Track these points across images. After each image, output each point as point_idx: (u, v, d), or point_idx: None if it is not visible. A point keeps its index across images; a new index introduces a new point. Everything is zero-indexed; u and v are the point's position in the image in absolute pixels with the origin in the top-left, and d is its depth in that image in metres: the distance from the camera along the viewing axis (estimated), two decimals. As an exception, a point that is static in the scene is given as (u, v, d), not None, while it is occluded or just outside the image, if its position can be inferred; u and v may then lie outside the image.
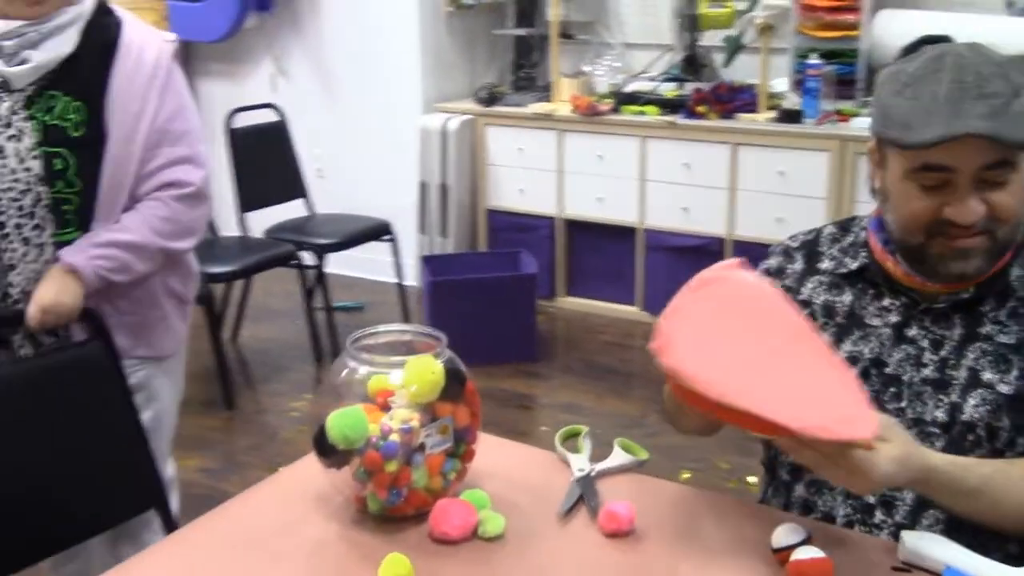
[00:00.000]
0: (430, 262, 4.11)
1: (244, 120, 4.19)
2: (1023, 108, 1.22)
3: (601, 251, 4.44)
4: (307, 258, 3.99)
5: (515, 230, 4.55)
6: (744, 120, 4.03)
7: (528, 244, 4.38)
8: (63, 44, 1.79)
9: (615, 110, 4.28)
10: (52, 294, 1.78)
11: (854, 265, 1.44)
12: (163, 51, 1.90)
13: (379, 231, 4.19)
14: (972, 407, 1.32)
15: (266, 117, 4.30)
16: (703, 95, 4.11)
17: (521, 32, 4.73)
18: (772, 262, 1.54)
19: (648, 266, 4.29)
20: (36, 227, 1.80)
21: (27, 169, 1.77)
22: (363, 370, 1.34)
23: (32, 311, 1.78)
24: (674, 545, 1.27)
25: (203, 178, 1.94)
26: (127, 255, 1.84)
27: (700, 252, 4.11)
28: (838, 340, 1.42)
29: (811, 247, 1.51)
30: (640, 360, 3.96)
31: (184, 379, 2.14)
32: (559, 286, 4.55)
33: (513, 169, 4.53)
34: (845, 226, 1.52)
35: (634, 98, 4.28)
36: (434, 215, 4.63)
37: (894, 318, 1.39)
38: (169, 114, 1.89)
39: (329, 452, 1.31)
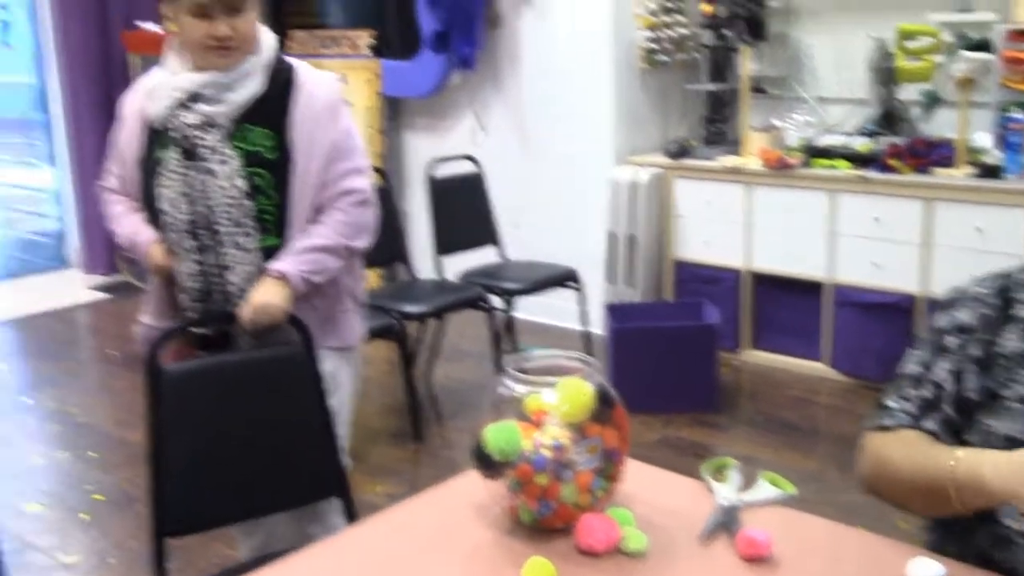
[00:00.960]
0: (615, 310, 4.20)
1: (444, 170, 4.44)
2: None
3: (788, 305, 4.40)
4: (497, 302, 4.17)
5: (701, 282, 4.58)
6: (940, 175, 3.93)
7: (714, 296, 4.40)
8: (253, 87, 2.15)
9: (805, 164, 4.26)
10: (264, 297, 2.11)
11: None
12: (333, 87, 2.25)
13: (565, 278, 4.33)
14: None
15: (465, 168, 4.54)
16: (898, 149, 4.04)
17: (713, 87, 4.80)
18: (962, 316, 1.47)
19: (836, 322, 4.22)
20: (246, 234, 2.14)
21: (236, 187, 2.12)
22: (520, 389, 1.45)
23: (246, 311, 2.11)
24: (808, 573, 1.30)
25: (369, 185, 2.26)
26: (322, 255, 2.17)
27: (890, 309, 4.02)
28: None
29: (1003, 293, 1.46)
30: (823, 417, 3.89)
31: (361, 372, 2.42)
32: (744, 338, 4.53)
33: (701, 221, 4.58)
34: None
35: (825, 152, 4.25)
36: (622, 265, 4.72)
37: None
38: (339, 135, 2.21)
39: (486, 464, 1.42)
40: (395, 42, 5.49)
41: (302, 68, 2.24)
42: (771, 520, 1.44)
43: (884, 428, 1.48)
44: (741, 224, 4.43)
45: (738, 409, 4.03)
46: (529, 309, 4.71)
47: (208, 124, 2.12)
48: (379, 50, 5.44)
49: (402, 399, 3.88)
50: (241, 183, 2.12)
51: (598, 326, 4.51)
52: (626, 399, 4.29)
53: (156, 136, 2.17)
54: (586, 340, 4.39)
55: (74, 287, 6.04)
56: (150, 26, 5.90)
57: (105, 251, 6.11)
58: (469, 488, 1.55)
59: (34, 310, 5.63)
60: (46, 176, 6.57)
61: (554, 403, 1.42)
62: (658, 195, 4.67)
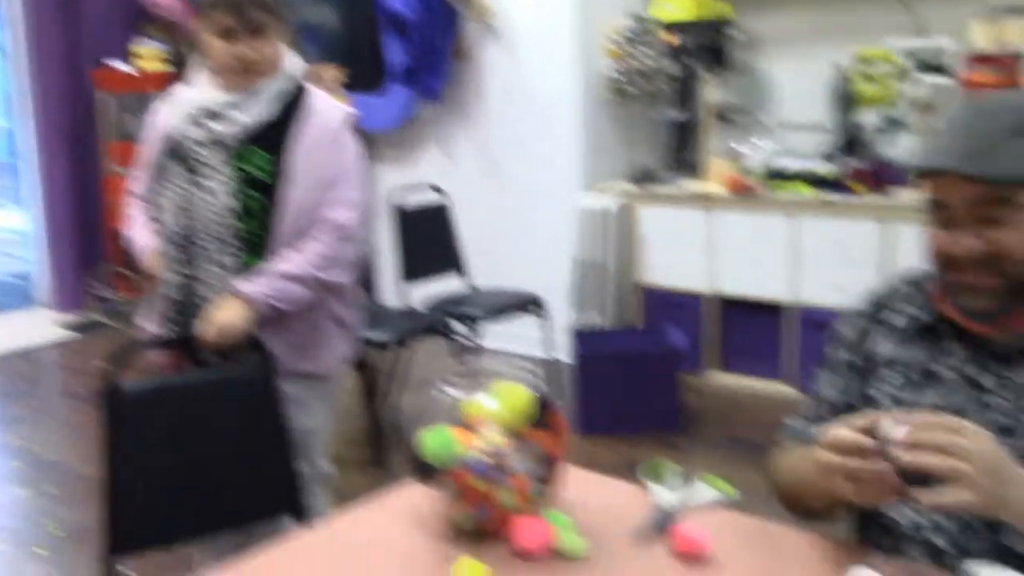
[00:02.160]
0: (581, 336, 4.21)
1: (411, 200, 4.45)
2: (1014, 149, 1.25)
3: (752, 327, 4.43)
4: (462, 330, 4.16)
5: (668, 307, 4.60)
6: (900, 197, 3.97)
7: (679, 320, 4.42)
8: (262, 110, 2.19)
9: (767, 188, 4.30)
10: (224, 316, 2.12)
11: (925, 318, 1.44)
12: (345, 119, 2.29)
13: (529, 303, 4.33)
14: None
15: (432, 197, 4.56)
16: (858, 172, 4.09)
17: (677, 116, 4.84)
18: (847, 332, 1.53)
19: (800, 343, 4.24)
20: (231, 254, 2.17)
21: (226, 206, 2.16)
22: (456, 394, 1.46)
23: (207, 330, 2.12)
24: (746, 573, 1.30)
25: (355, 220, 2.25)
26: (290, 283, 2.17)
27: (854, 330, 4.05)
28: (912, 394, 1.41)
29: (882, 304, 1.51)
30: (789, 438, 3.90)
31: (339, 396, 2.46)
32: (709, 361, 4.55)
33: (666, 247, 4.61)
34: (915, 280, 1.52)
35: (787, 176, 4.30)
36: (588, 291, 4.74)
37: (964, 368, 1.38)
38: (341, 167, 2.23)
39: (423, 470, 1.42)
40: (364, 76, 5.52)
41: (316, 95, 2.27)
42: (708, 521, 1.44)
43: (780, 445, 1.57)
44: (705, 248, 4.47)
45: (702, 430, 4.03)
46: (495, 338, 4.71)
47: (214, 142, 2.18)
48: (348, 84, 5.47)
49: (366, 427, 3.86)
50: (232, 203, 2.16)
51: (563, 352, 4.51)
52: (592, 422, 4.28)
53: (169, 147, 2.23)
54: (551, 366, 4.39)
55: (43, 326, 6.00)
56: (119, 64, 5.93)
57: (74, 290, 6.10)
58: (409, 496, 1.55)
59: (1, 350, 5.58)
60: (15, 217, 6.56)
61: (492, 408, 1.42)
62: (624, 222, 4.70)
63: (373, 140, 5.69)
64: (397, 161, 5.61)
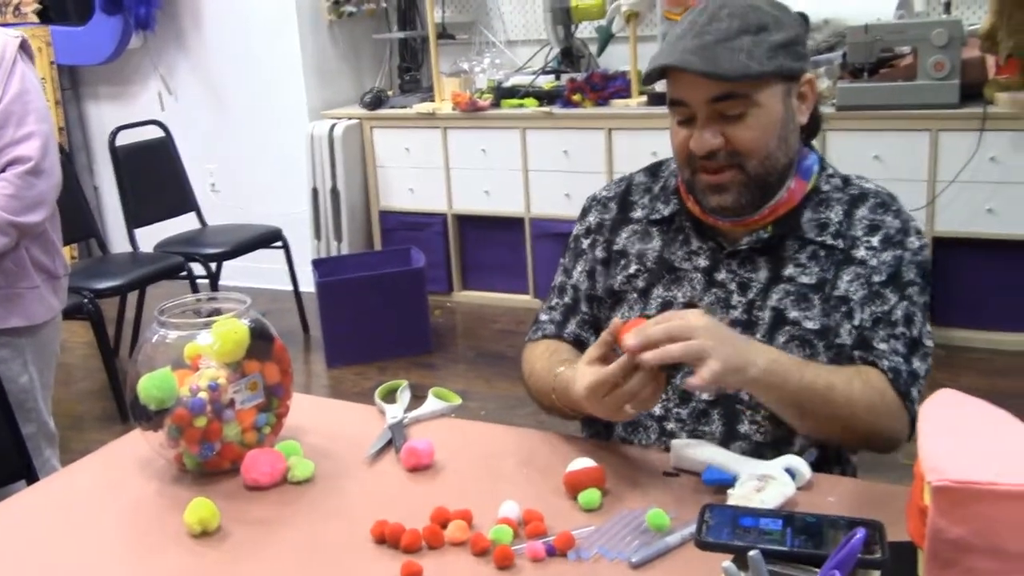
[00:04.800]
0: (320, 265, 4.17)
1: (131, 138, 4.21)
2: (744, 46, 1.31)
3: (493, 243, 4.54)
4: (200, 270, 4.03)
5: (408, 229, 4.63)
6: (617, 105, 4.16)
7: (421, 242, 4.46)
8: None
9: (495, 105, 4.38)
10: None
11: (665, 211, 1.49)
12: (8, 44, 2.09)
13: (270, 238, 4.25)
14: (782, 344, 1.38)
15: (153, 134, 4.33)
16: (577, 84, 4.23)
17: (401, 35, 4.82)
18: (591, 219, 1.58)
19: (536, 254, 4.39)
20: None
21: None
22: (172, 336, 1.41)
23: None
24: (469, 474, 1.36)
25: (41, 151, 2.08)
26: None
27: (585, 236, 4.23)
28: (651, 285, 1.47)
29: (624, 196, 1.56)
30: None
31: (54, 349, 2.30)
32: (454, 281, 4.64)
33: (402, 169, 4.62)
34: (655, 172, 1.57)
35: (513, 92, 4.39)
36: (328, 220, 4.69)
37: (703, 262, 1.45)
38: (12, 97, 2.05)
39: (142, 415, 1.38)
40: (66, 6, 5.12)
41: None
42: (437, 431, 1.48)
43: (532, 341, 1.58)
44: (441, 168, 4.51)
45: (452, 348, 4.13)
46: (237, 274, 4.59)
47: None
48: (47, 16, 5.06)
49: (105, 380, 3.69)
50: None
51: (310, 284, 4.47)
52: (340, 352, 4.26)
53: None
54: (298, 299, 4.34)
55: None
56: None
57: None
58: (135, 444, 1.50)
59: None
60: None
61: (208, 345, 1.39)
62: (358, 146, 4.66)
63: (83, 76, 5.31)
64: (112, 98, 5.27)
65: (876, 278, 1.40)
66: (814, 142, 1.52)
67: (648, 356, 1.19)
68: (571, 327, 1.55)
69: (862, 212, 1.44)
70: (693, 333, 1.20)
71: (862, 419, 1.32)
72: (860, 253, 1.41)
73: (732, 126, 1.35)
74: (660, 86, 4.14)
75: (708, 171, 1.38)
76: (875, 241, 1.42)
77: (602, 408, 1.26)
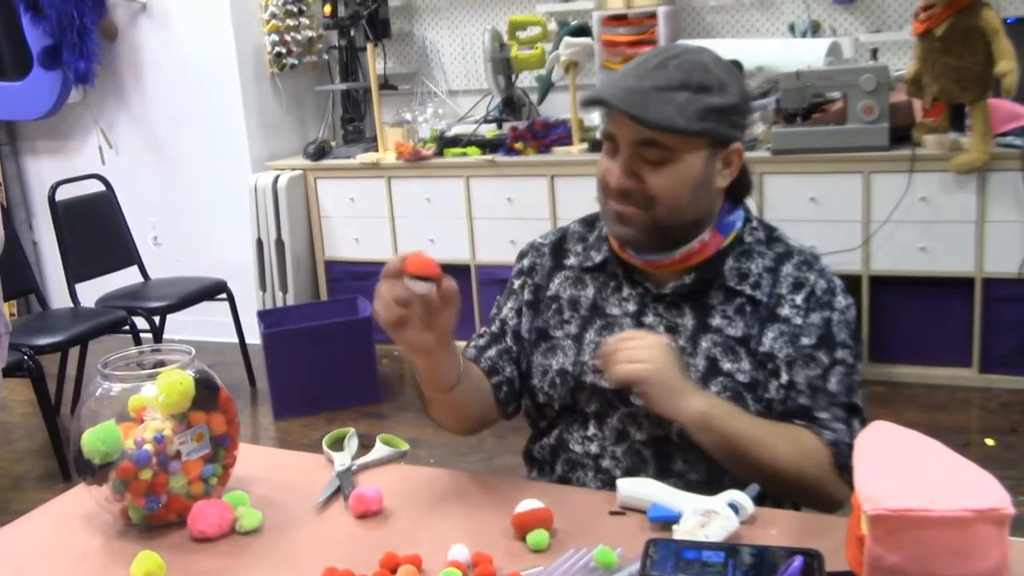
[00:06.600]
0: (266, 316, 4.15)
1: (71, 192, 4.18)
2: (678, 100, 1.35)
3: (438, 291, 4.54)
4: (144, 324, 3.98)
5: (354, 278, 4.64)
6: (559, 153, 4.22)
7: (367, 291, 4.43)
8: None
9: (439, 154, 4.42)
10: None
11: (597, 258, 1.55)
12: None
13: (214, 291, 4.22)
14: (714, 392, 1.42)
15: (94, 188, 4.30)
16: (519, 133, 4.29)
17: (344, 87, 4.86)
18: (525, 262, 1.63)
19: (483, 300, 4.42)
20: None
21: None
22: (116, 388, 1.40)
23: None
24: (417, 519, 1.37)
25: None
26: None
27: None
28: (583, 330, 1.52)
29: (559, 244, 1.61)
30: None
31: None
32: (402, 329, 4.63)
33: (347, 219, 4.63)
34: (590, 222, 1.62)
35: (456, 141, 4.44)
36: (273, 271, 4.68)
37: (631, 307, 1.50)
38: None
39: (87, 469, 1.37)
40: (3, 61, 5.08)
41: None
42: (385, 477, 1.49)
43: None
44: (386, 218, 4.53)
45: (400, 397, 4.12)
46: (181, 327, 4.54)
47: None
48: (-16, 72, 5.02)
49: (46, 439, 3.62)
50: None
51: (256, 336, 4.44)
52: (288, 403, 4.21)
53: None
54: (244, 351, 4.31)
55: None
56: None
57: None
58: (80, 500, 1.48)
59: None
60: None
61: (153, 397, 1.39)
62: (302, 197, 4.66)
63: (21, 131, 5.27)
64: (52, 152, 5.23)
65: (805, 340, 1.43)
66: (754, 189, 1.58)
67: (611, 375, 1.35)
68: (491, 353, 1.60)
69: (787, 269, 1.48)
70: (640, 345, 1.34)
71: (788, 476, 1.38)
72: (784, 311, 1.45)
73: (651, 171, 1.40)
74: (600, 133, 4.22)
75: (618, 200, 1.44)
76: (799, 299, 1.45)
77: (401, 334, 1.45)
